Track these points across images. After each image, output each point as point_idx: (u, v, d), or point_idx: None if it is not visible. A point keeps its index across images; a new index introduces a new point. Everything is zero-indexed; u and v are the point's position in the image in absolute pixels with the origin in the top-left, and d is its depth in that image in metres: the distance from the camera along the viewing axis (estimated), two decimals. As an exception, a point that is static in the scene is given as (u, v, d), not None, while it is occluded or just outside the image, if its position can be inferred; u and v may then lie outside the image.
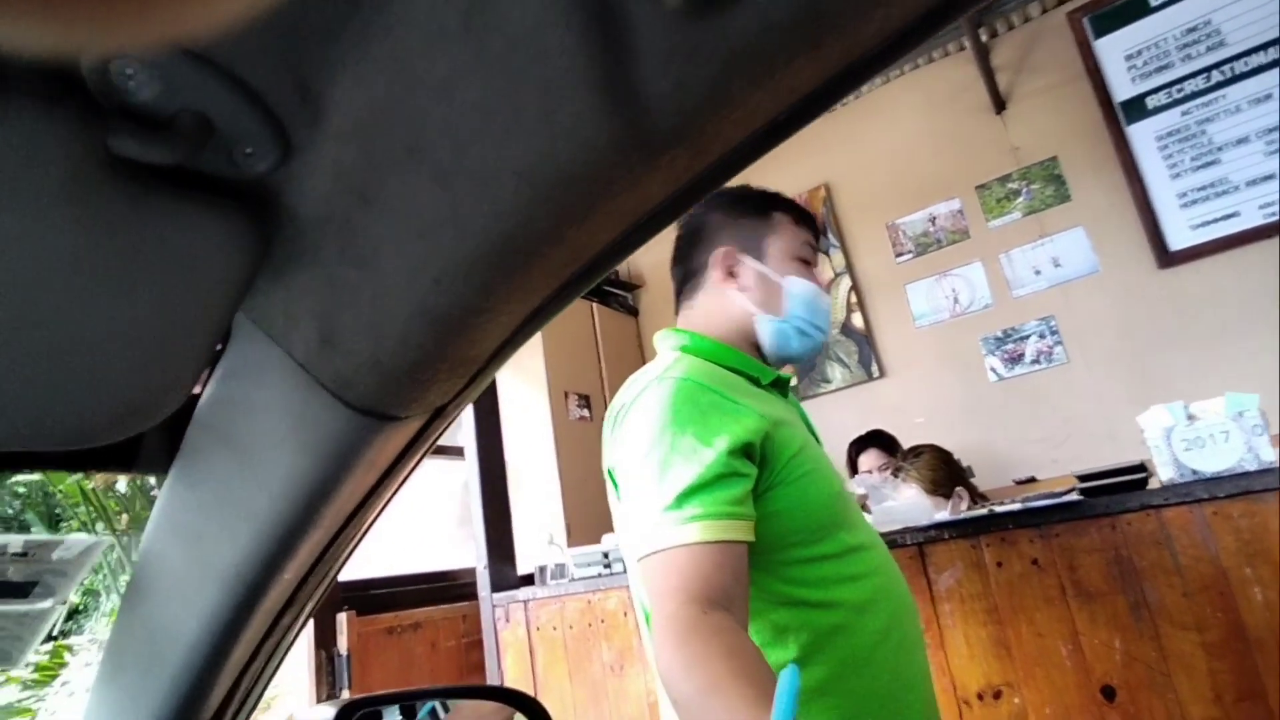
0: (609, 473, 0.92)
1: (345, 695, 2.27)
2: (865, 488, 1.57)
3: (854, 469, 2.53)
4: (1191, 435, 1.19)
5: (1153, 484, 1.29)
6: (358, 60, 0.25)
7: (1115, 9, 2.70)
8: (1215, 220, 2.51)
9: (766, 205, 1.04)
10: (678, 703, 0.64)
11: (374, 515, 0.46)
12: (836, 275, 3.20)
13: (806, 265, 1.02)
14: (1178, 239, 2.55)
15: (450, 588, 2.87)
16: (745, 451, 0.79)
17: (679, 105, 0.26)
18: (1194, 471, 1.18)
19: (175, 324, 0.29)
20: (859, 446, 2.54)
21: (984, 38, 2.88)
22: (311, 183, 0.27)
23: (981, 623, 1.32)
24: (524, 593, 1.95)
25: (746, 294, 1.00)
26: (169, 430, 0.37)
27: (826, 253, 3.23)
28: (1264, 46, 2.46)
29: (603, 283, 3.65)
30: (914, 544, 1.38)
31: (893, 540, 1.39)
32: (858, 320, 3.13)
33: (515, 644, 1.93)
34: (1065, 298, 2.73)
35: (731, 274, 1.02)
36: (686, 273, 1.06)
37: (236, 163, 0.26)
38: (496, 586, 2.01)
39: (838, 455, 2.65)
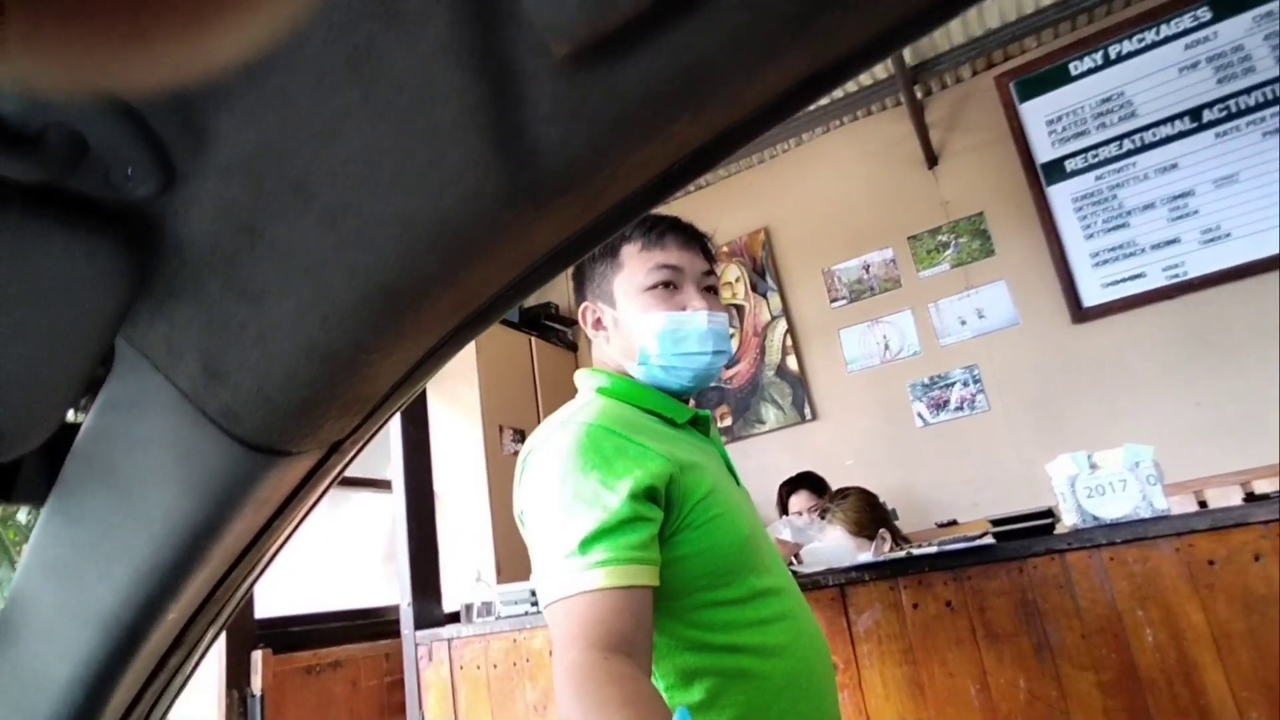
0: (519, 518, 0.91)
1: None
2: (791, 529, 1.59)
3: (784, 510, 2.56)
4: (1093, 483, 1.25)
5: (1059, 529, 1.35)
6: (246, 95, 0.24)
7: (1038, 75, 2.88)
8: (1123, 280, 2.67)
9: (614, 241, 0.99)
10: None
11: (270, 553, 0.45)
12: (773, 318, 3.28)
13: (660, 291, 0.96)
14: (1090, 296, 2.71)
15: (373, 625, 2.75)
16: (650, 495, 0.79)
17: (569, 155, 0.26)
18: (1095, 518, 1.24)
19: (40, 348, 0.28)
20: (789, 488, 2.58)
21: (919, 95, 3.03)
22: (197, 214, 0.27)
23: (898, 663, 1.35)
24: (448, 630, 1.89)
25: (612, 345, 1.00)
26: (47, 458, 0.36)
27: (760, 291, 3.31)
28: (1169, 120, 2.66)
29: (542, 317, 3.65)
30: (835, 585, 1.41)
31: (815, 581, 1.41)
32: (792, 363, 3.20)
33: (438, 683, 1.88)
34: (988, 348, 2.86)
35: (600, 326, 1.01)
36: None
37: (115, 185, 0.25)
38: (420, 624, 1.95)
39: (770, 496, 2.68)
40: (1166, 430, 2.43)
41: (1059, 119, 2.85)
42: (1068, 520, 1.28)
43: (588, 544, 0.75)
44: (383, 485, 3.21)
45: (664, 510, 0.81)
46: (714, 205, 3.45)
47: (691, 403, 1.03)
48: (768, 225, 3.37)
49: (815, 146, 3.34)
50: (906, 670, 1.34)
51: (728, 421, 3.29)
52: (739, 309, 3.37)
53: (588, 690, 0.65)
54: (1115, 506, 1.23)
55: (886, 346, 3.03)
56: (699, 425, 1.01)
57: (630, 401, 0.95)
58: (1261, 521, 1.14)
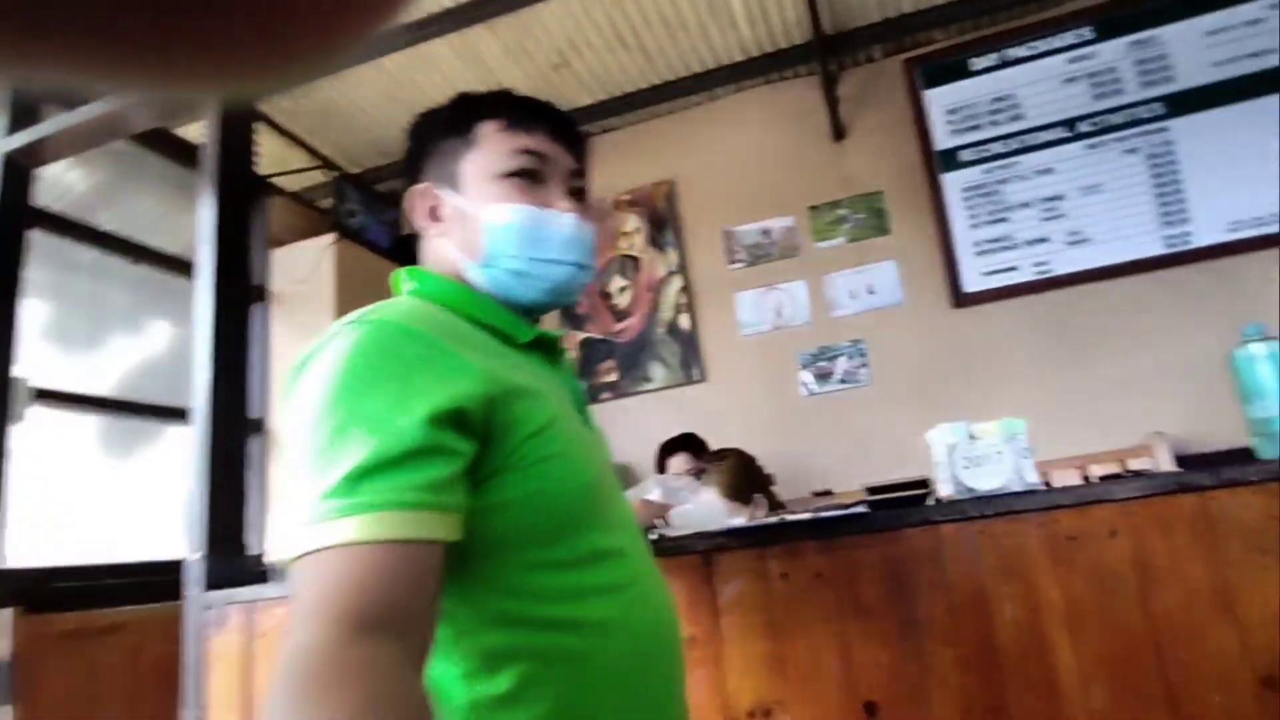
0: (283, 446, 0.72)
1: (6, 712, 1.78)
2: (662, 488, 1.51)
3: (662, 471, 2.50)
4: (972, 454, 1.23)
5: (931, 500, 1.33)
6: None
7: (942, 65, 2.93)
8: (999, 271, 2.77)
9: (469, 116, 0.81)
10: None
11: None
12: (669, 274, 3.19)
13: (520, 181, 0.79)
14: (970, 283, 2.79)
15: (168, 582, 2.14)
16: (457, 421, 0.60)
17: None
18: (969, 489, 1.22)
19: None
20: (669, 449, 2.52)
21: (833, 68, 2.99)
22: None
23: (760, 636, 1.30)
24: (248, 591, 1.51)
25: (451, 239, 0.81)
26: None
27: (658, 245, 3.22)
28: (1050, 126, 2.79)
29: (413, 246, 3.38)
30: (701, 551, 1.33)
31: (680, 546, 1.33)
32: (684, 322, 3.14)
33: (227, 657, 1.50)
34: (874, 324, 2.89)
35: (435, 216, 0.83)
36: (415, 222, 0.86)
37: None
38: (215, 582, 1.56)
39: (651, 455, 2.62)
40: (1027, 414, 2.53)
41: (957, 110, 2.89)
42: (942, 490, 1.26)
43: (358, 479, 0.55)
44: (181, 416, 2.67)
45: (480, 443, 0.63)
46: (619, 151, 3.31)
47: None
48: (673, 178, 3.27)
49: (728, 104, 3.25)
50: (769, 645, 1.29)
51: (614, 377, 3.20)
52: (634, 260, 3.26)
53: (309, 690, 0.47)
54: (990, 478, 1.21)
55: (779, 313, 3.02)
56: (547, 349, 0.83)
57: (457, 309, 0.76)
58: (1120, 499, 1.15)
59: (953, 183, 2.85)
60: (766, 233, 3.11)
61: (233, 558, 1.66)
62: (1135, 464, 2.35)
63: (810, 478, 2.80)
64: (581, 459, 0.73)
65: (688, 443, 2.49)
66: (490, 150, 0.80)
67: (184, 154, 2.83)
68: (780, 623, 1.29)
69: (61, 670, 1.94)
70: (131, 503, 2.60)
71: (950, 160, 2.87)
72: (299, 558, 0.55)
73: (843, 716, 1.22)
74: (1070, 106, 2.75)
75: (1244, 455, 1.39)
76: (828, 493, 2.73)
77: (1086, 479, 2.41)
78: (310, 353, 0.66)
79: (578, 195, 0.85)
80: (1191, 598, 1.08)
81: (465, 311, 0.76)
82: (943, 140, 2.88)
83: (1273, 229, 2.48)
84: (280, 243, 3.01)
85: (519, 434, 0.66)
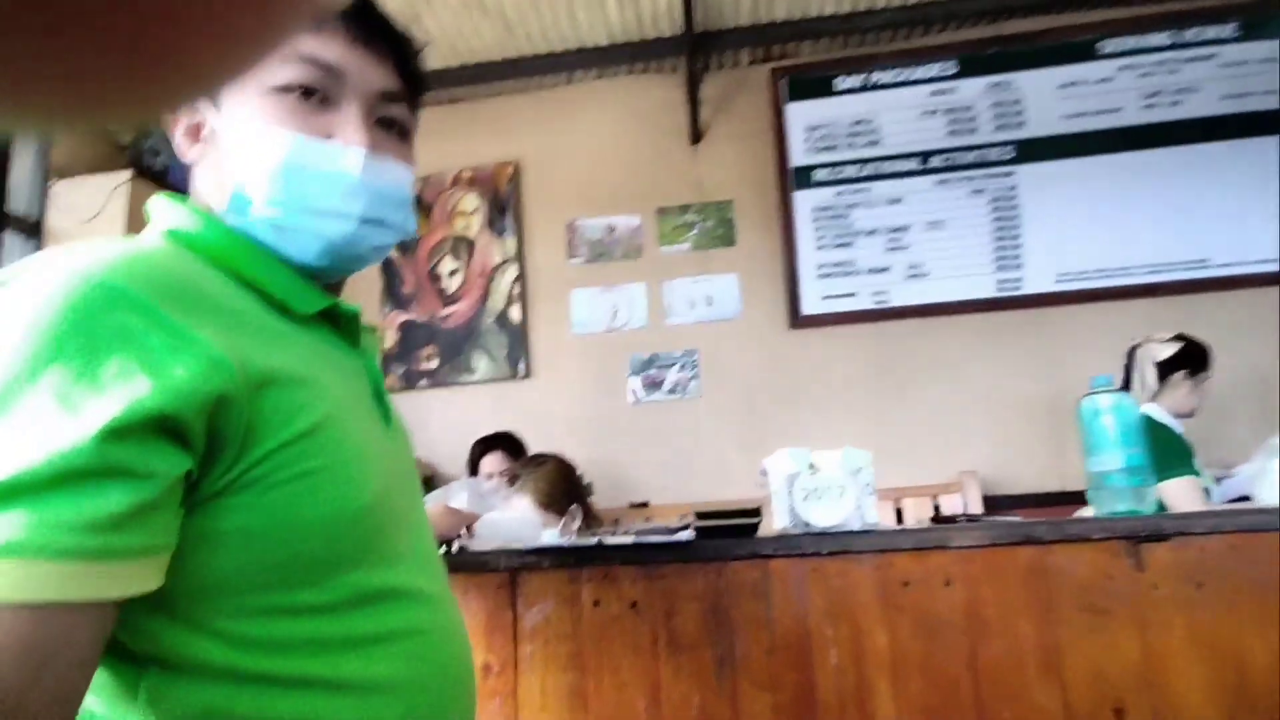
0: None
1: None
2: (469, 493, 1.29)
3: (475, 472, 2.26)
4: (812, 485, 1.12)
5: (763, 532, 1.22)
6: None
7: (807, 80, 2.91)
8: (839, 296, 2.79)
9: None
10: None
11: None
12: (504, 262, 2.96)
13: (301, 100, 0.60)
14: (809, 305, 2.79)
15: None
16: (161, 428, 0.44)
17: None
18: (807, 523, 1.12)
19: None
20: (483, 447, 2.29)
21: (699, 67, 2.90)
22: None
23: (563, 668, 1.12)
24: None
25: (199, 171, 0.63)
26: None
27: (496, 230, 2.97)
28: (904, 156, 2.83)
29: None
30: (507, 569, 1.14)
31: (483, 563, 1.13)
32: (515, 314, 2.91)
33: None
34: (709, 336, 2.82)
35: (195, 136, 0.63)
36: None
37: None
38: None
39: (462, 454, 2.38)
40: (849, 441, 2.56)
41: (817, 128, 2.89)
42: (778, 523, 1.14)
43: None
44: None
45: (202, 454, 0.47)
46: (466, 125, 3.03)
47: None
48: (519, 160, 3.03)
49: (586, 89, 3.07)
50: (572, 678, 1.12)
51: (434, 364, 2.90)
52: (469, 243, 2.99)
53: None
54: (830, 513, 1.11)
55: (615, 315, 2.88)
56: (340, 326, 0.64)
57: (221, 261, 0.57)
58: (958, 547, 1.09)
59: (804, 201, 2.84)
60: (611, 230, 2.96)
61: None
62: (946, 500, 2.43)
63: (629, 488, 2.68)
64: (359, 474, 0.55)
65: (504, 442, 2.28)
66: None
67: None
68: (587, 654, 1.12)
69: None
70: None
71: (804, 178, 2.86)
72: None
73: (646, 767, 1.07)
74: (926, 139, 2.81)
75: (1055, 499, 1.42)
76: (645, 504, 2.62)
77: (899, 513, 2.46)
78: None
79: (388, 127, 0.64)
80: (1018, 653, 1.03)
81: (231, 265, 0.58)
82: (799, 156, 2.87)
83: (1096, 284, 2.63)
84: (64, 174, 2.66)
85: (268, 441, 0.50)
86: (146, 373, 0.44)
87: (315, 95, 0.60)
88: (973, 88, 2.80)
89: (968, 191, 2.76)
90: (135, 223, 2.59)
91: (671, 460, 2.72)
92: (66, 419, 0.41)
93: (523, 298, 2.93)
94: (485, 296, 2.93)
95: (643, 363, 2.83)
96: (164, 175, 2.79)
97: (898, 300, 2.75)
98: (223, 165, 0.60)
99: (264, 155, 0.58)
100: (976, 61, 2.80)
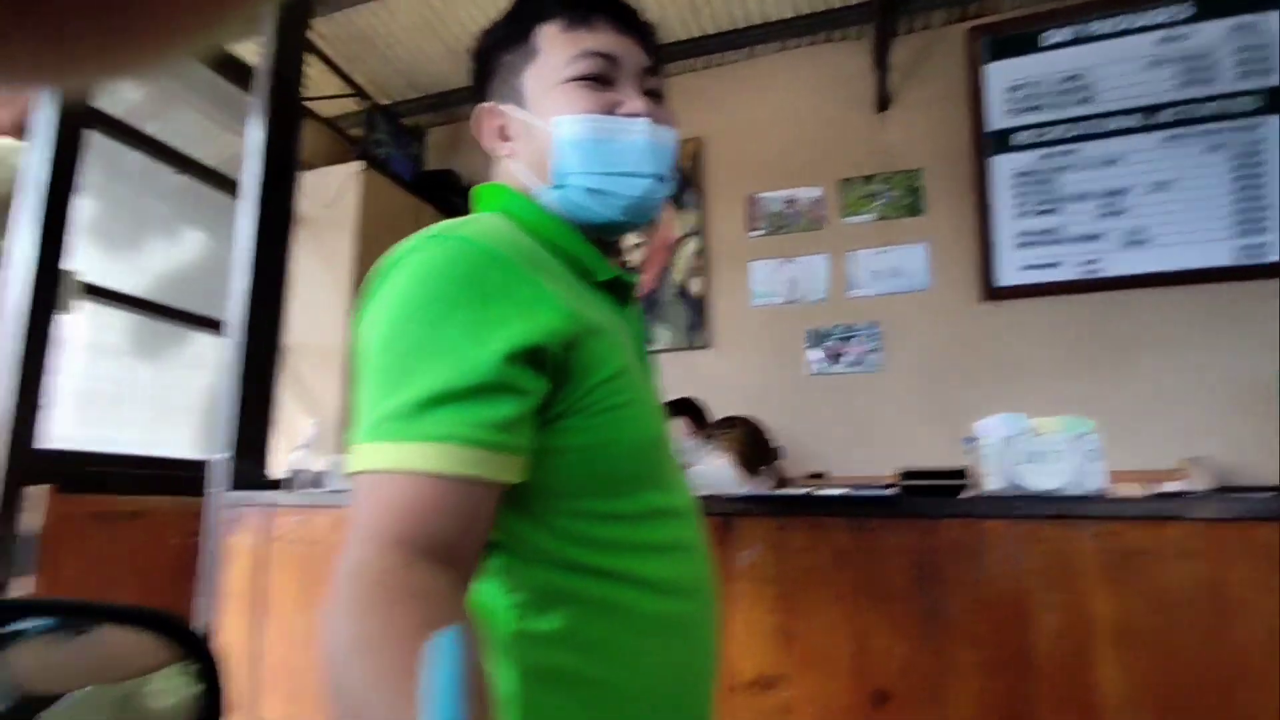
0: (356, 357, 0.65)
1: (27, 583, 1.84)
2: (681, 446, 1.38)
3: (659, 434, 2.38)
4: (1030, 449, 1.11)
5: (970, 494, 1.22)
6: None
7: (1010, 38, 2.74)
8: (1040, 266, 2.62)
9: (526, 22, 0.75)
10: (331, 693, 0.44)
11: None
12: (686, 235, 3.04)
13: (587, 85, 0.71)
14: (1005, 276, 2.64)
15: (188, 479, 2.39)
16: (532, 359, 0.57)
17: None
18: (1021, 486, 1.10)
19: None
20: (669, 412, 2.39)
21: (889, 33, 2.81)
22: None
23: (769, 609, 1.19)
24: (265, 496, 1.59)
25: (519, 160, 0.75)
26: None
27: (679, 204, 3.05)
28: (1123, 112, 2.58)
29: (439, 184, 3.31)
30: (720, 514, 1.22)
31: (704, 508, 1.22)
32: (695, 286, 3.00)
33: (243, 555, 1.57)
34: (894, 308, 2.76)
35: (504, 135, 0.76)
36: (486, 147, 0.80)
37: None
38: (240, 483, 1.64)
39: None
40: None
41: (1019, 88, 2.72)
42: (991, 484, 1.14)
43: (426, 406, 0.53)
44: (217, 326, 2.82)
45: (552, 382, 0.59)
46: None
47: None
48: (701, 136, 3.10)
49: (768, 64, 3.08)
50: (777, 619, 1.18)
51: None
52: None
53: (371, 610, 0.46)
54: (1048, 477, 1.09)
55: (794, 287, 2.88)
56: (619, 292, 0.76)
57: (539, 234, 0.70)
58: (1196, 519, 1.03)
59: (1001, 166, 2.69)
60: (791, 202, 2.96)
61: (254, 463, 1.74)
62: (1170, 488, 2.23)
63: (807, 458, 2.69)
64: (649, 412, 0.69)
65: (688, 407, 2.36)
66: (551, 56, 0.73)
67: (232, 70, 2.86)
68: (793, 597, 1.18)
69: (84, 548, 2.02)
70: (154, 400, 2.73)
71: (1002, 142, 2.70)
72: (359, 473, 0.55)
73: (850, 700, 1.12)
74: (1151, 92, 2.54)
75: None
76: (821, 475, 2.62)
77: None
78: (391, 262, 0.62)
79: (653, 97, 0.76)
80: (1267, 636, 0.97)
81: (546, 238, 0.70)
82: (997, 120, 2.71)
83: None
84: (307, 166, 3.03)
85: (592, 378, 0.62)
86: (522, 316, 0.57)
87: (601, 81, 0.72)
88: (1211, 32, 2.49)
89: (1202, 148, 2.47)
90: (366, 207, 2.93)
91: (851, 433, 2.70)
92: (477, 347, 0.55)
93: (703, 270, 3.01)
94: (667, 269, 3.04)
95: (822, 334, 2.82)
96: (387, 165, 3.15)
97: (1112, 270, 2.53)
98: (541, 149, 0.72)
99: (574, 134, 0.70)
100: (1215, 3, 2.50)
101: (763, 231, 2.98)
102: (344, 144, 3.27)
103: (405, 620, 0.45)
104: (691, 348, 2.96)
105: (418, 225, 2.49)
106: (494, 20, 0.80)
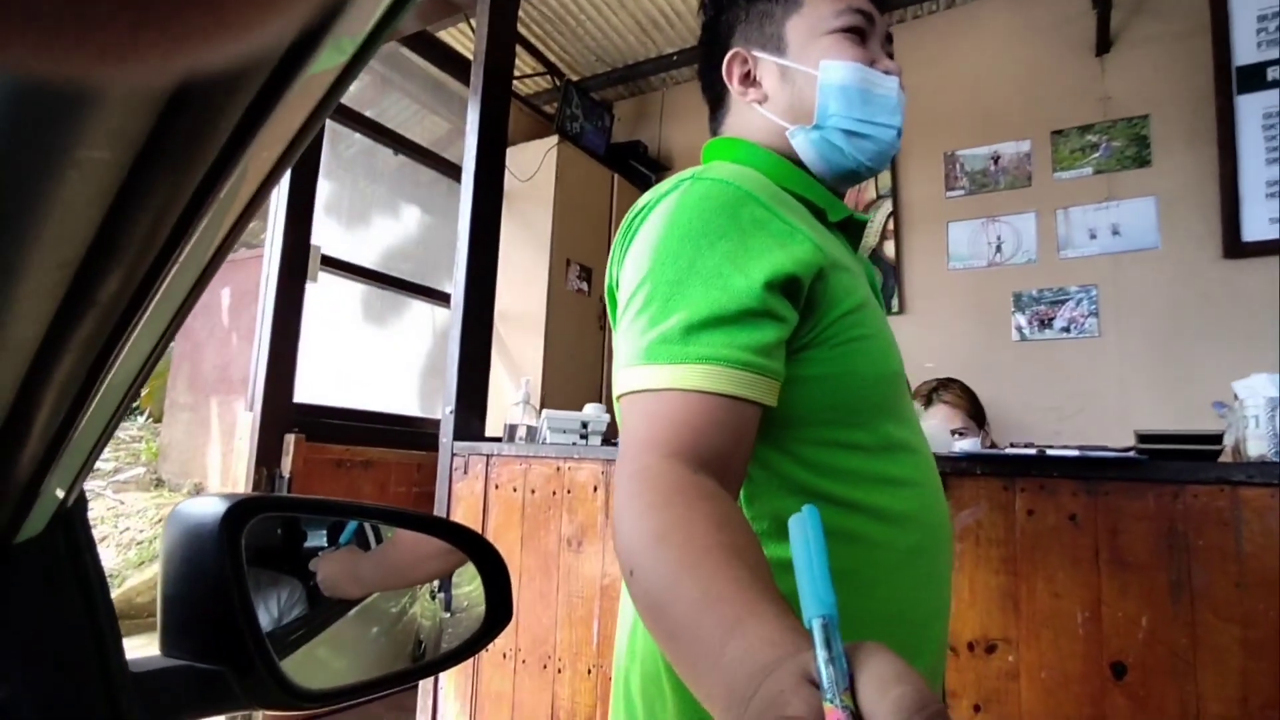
0: (610, 292, 0.72)
1: None
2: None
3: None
4: (1301, 413, 1.03)
5: (1225, 458, 1.15)
6: None
7: (1262, -39, 2.40)
8: (1297, 218, 2.31)
9: None
10: (637, 579, 0.47)
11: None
12: (879, 197, 2.98)
13: (851, 36, 0.76)
14: (1254, 229, 2.36)
15: (409, 434, 2.73)
16: (788, 289, 0.61)
17: None
18: (1289, 453, 1.03)
19: None
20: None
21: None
22: None
23: (994, 570, 1.20)
24: (488, 446, 1.81)
25: (771, 104, 0.79)
26: None
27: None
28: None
29: (630, 155, 3.42)
30: (941, 473, 1.23)
31: (921, 464, 1.24)
32: (889, 249, 2.93)
33: (469, 499, 1.80)
34: (1115, 268, 2.55)
35: (750, 81, 0.80)
36: (712, 95, 0.86)
37: None
38: (460, 435, 1.86)
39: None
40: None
41: (1274, 15, 2.39)
42: (1253, 450, 1.07)
43: (695, 330, 0.57)
44: (441, 297, 3.14)
45: (800, 313, 0.63)
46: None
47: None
48: (894, 92, 2.99)
49: (973, 10, 2.91)
50: (1003, 580, 1.19)
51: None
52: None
53: (669, 504, 0.49)
54: (1323, 444, 1.01)
55: (999, 248, 2.74)
56: (851, 233, 0.81)
57: (776, 179, 0.74)
58: None
59: (1251, 106, 2.38)
60: (996, 158, 2.80)
61: (475, 418, 1.92)
62: None
63: (1013, 430, 2.58)
64: (888, 346, 0.71)
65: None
66: (815, 7, 0.77)
67: (440, 56, 3.13)
68: (1020, 559, 1.18)
69: (326, 490, 2.35)
70: (379, 361, 3.04)
71: (1255, 79, 2.39)
72: (633, 393, 0.58)
73: (1084, 669, 1.11)
74: None
75: None
76: (1028, 447, 2.50)
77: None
78: (649, 202, 0.67)
79: (890, 58, 0.81)
80: None
81: (783, 183, 0.74)
82: (1246, 54, 2.40)
83: None
84: (510, 142, 3.23)
85: (836, 310, 0.64)
86: (779, 248, 0.61)
87: (861, 35, 0.77)
88: None
89: None
90: (563, 179, 3.09)
91: (1063, 402, 2.55)
92: (740, 276, 0.59)
93: (896, 233, 2.93)
94: (860, 233, 3.00)
95: (1030, 298, 2.67)
96: (580, 138, 3.31)
97: (1383, 220, 2.20)
98: (802, 92, 0.77)
99: (842, 80, 0.75)
100: None
101: (963, 191, 2.85)
102: (539, 119, 3.46)
103: (706, 512, 0.48)
104: (886, 313, 2.91)
105: (611, 195, 2.69)
106: None
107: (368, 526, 0.55)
